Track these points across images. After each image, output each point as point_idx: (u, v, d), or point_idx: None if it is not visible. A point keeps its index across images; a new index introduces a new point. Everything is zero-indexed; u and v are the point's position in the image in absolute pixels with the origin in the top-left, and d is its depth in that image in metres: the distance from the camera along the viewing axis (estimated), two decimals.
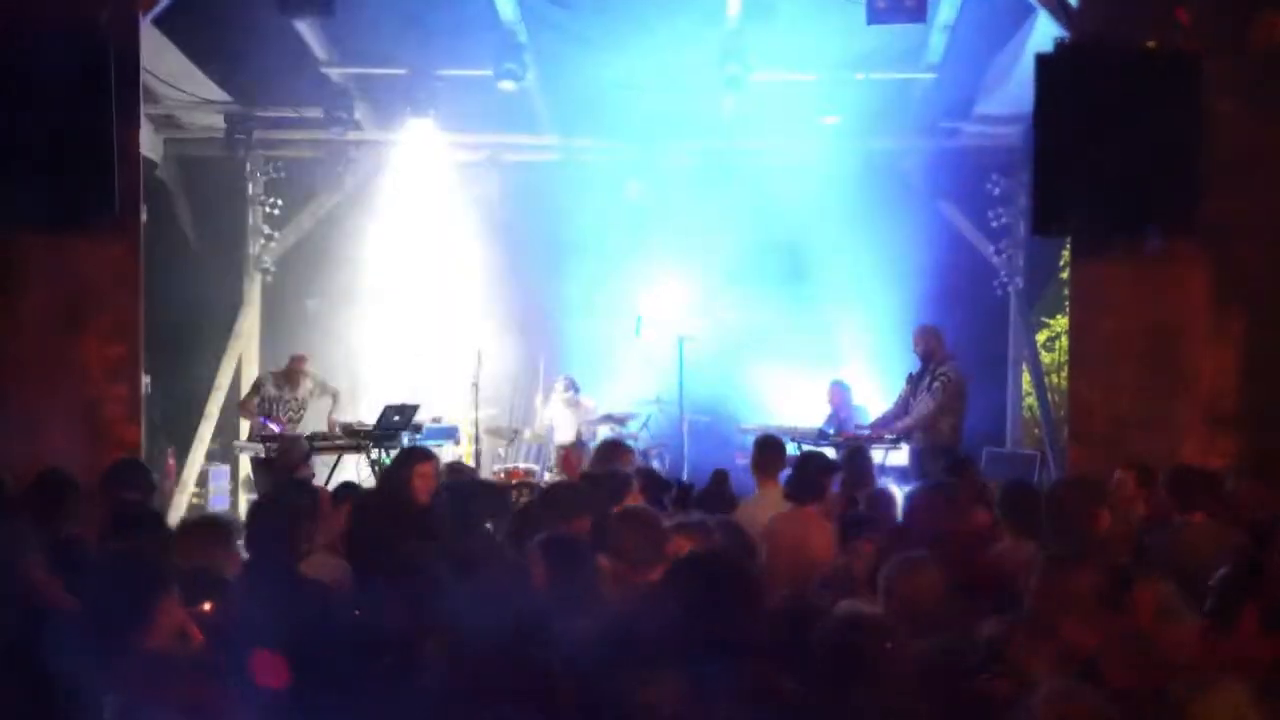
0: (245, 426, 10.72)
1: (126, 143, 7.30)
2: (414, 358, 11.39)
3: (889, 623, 3.41)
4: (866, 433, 9.57)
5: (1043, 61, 7.23)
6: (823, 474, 6.13)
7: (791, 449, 9.00)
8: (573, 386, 11.21)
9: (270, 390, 10.06)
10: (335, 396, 10.18)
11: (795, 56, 10.17)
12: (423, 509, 5.67)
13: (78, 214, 7.18)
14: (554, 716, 3.07)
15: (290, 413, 10.00)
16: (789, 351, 11.42)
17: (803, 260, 11.73)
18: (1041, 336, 11.93)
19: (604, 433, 10.79)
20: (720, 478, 7.18)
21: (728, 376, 11.51)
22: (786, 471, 6.48)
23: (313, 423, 10.12)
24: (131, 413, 7.66)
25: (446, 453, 11.09)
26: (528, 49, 9.93)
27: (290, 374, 10.18)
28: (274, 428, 9.66)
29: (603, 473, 6.25)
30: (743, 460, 8.89)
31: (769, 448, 6.84)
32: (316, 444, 9.38)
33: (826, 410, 10.70)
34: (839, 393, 10.66)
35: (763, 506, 6.17)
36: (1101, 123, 7.09)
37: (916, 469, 9.23)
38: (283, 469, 8.03)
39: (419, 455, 6.23)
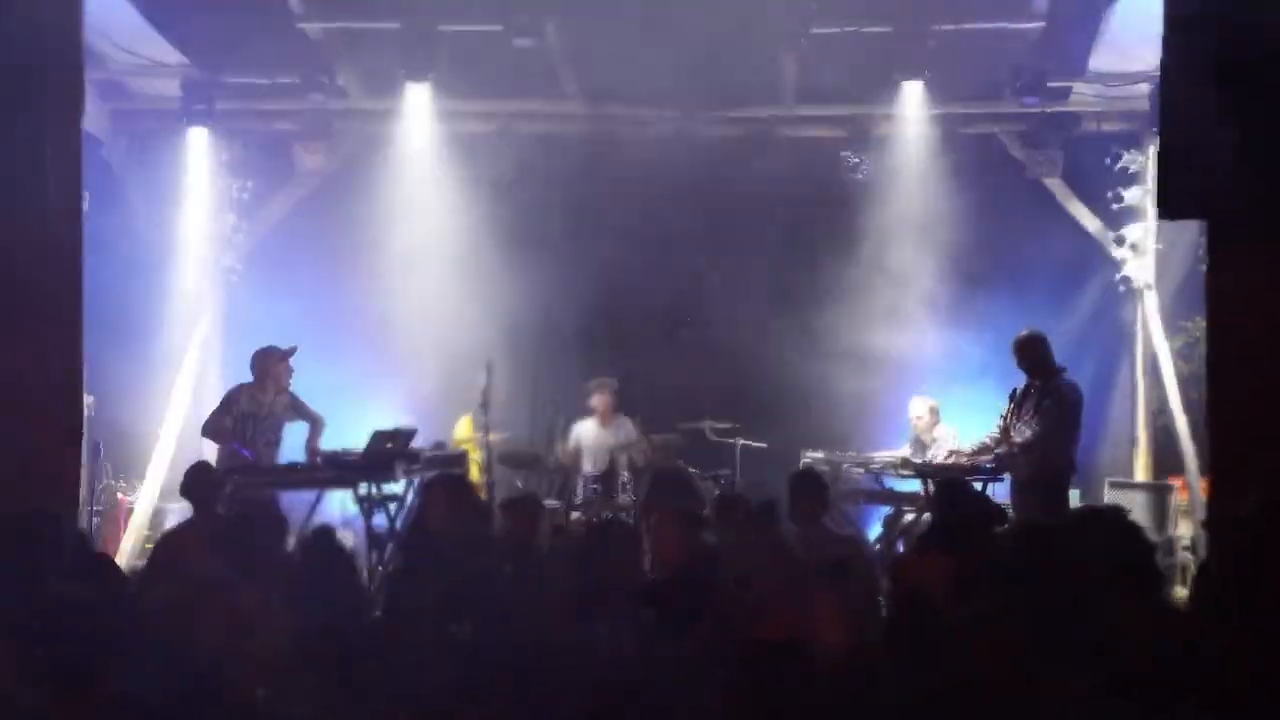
0: (212, 453, 10.62)
1: (64, 116, 7.23)
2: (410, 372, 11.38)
3: None
4: (961, 462, 9.46)
5: (1173, 7, 7.12)
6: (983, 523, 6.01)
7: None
8: (615, 396, 11.13)
9: (245, 406, 9.72)
10: (314, 422, 10.08)
11: (868, 3, 10.10)
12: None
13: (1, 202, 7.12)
14: None
15: (268, 434, 9.80)
16: (860, 363, 11.30)
17: (877, 252, 11.63)
18: (1175, 343, 11.75)
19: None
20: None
21: (786, 393, 11.41)
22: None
23: (288, 452, 10.06)
24: (71, 439, 7.64)
25: None
26: None
27: (273, 376, 9.75)
28: (247, 455, 9.52)
29: None
30: None
31: (810, 485, 6.94)
32: (294, 478, 9.36)
33: (909, 433, 10.59)
34: (924, 412, 10.56)
35: None
36: (1246, 81, 6.95)
37: (1019, 502, 9.11)
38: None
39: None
